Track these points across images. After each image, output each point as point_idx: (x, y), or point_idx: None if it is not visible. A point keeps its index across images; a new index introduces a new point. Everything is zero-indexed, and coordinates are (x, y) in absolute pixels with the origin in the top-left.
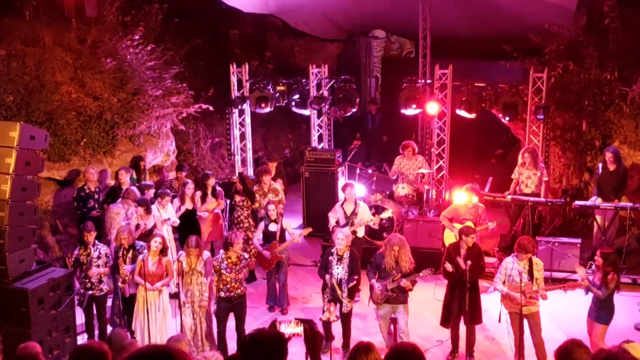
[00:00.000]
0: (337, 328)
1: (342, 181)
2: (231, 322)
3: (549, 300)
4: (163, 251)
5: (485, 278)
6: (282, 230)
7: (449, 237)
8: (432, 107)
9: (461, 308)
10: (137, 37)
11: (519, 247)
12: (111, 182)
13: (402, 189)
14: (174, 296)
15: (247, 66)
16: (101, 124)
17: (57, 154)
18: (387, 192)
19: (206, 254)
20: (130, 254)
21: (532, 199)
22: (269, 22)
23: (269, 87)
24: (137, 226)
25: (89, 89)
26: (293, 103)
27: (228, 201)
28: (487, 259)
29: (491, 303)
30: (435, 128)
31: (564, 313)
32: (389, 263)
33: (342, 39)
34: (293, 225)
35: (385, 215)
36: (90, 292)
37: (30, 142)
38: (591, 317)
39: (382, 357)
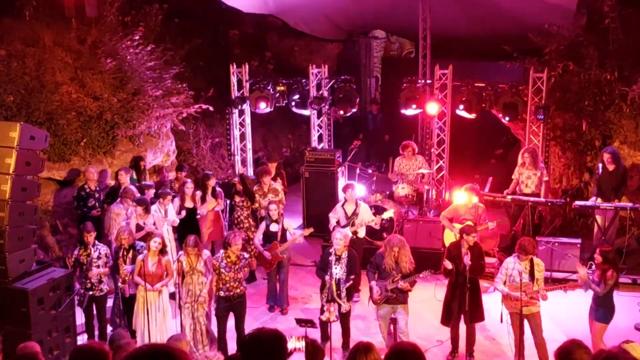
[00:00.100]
0: (336, 328)
1: (342, 181)
2: (231, 322)
3: (549, 300)
4: (162, 251)
5: (485, 278)
6: (283, 231)
7: (449, 237)
8: (432, 107)
9: (461, 307)
10: (137, 38)
11: (520, 249)
12: (111, 182)
13: (402, 189)
14: (174, 296)
15: (247, 66)
16: (101, 124)
17: (57, 154)
18: (387, 192)
19: (206, 253)
20: (130, 254)
21: (532, 199)
22: (269, 22)
23: (269, 87)
24: (139, 226)
25: (89, 89)
26: (293, 103)
27: (228, 201)
28: (487, 259)
29: (492, 303)
30: (435, 128)
31: (564, 313)
32: (389, 264)
33: (342, 39)
34: (293, 226)
35: (386, 215)
36: (90, 292)
37: (31, 142)
38: (591, 317)
39: (382, 357)
